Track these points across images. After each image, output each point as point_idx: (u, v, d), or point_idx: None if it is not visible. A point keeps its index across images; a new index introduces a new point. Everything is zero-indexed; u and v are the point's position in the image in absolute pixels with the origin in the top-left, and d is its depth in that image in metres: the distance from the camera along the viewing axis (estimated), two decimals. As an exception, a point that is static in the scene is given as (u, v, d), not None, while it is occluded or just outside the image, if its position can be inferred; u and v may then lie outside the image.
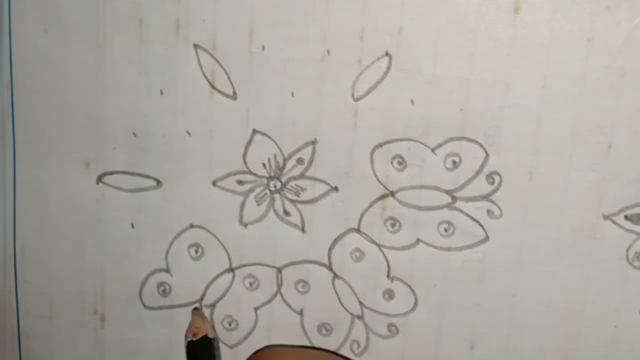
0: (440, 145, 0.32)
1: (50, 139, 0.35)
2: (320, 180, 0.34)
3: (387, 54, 0.32)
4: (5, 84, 0.35)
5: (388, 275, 0.34)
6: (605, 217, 0.32)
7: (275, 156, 0.34)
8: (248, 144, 0.34)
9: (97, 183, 0.36)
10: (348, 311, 0.35)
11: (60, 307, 0.37)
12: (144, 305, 0.36)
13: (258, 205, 0.35)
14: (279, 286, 0.35)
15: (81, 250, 0.36)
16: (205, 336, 0.35)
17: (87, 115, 0.35)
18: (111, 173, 0.35)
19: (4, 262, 0.37)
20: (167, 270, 0.36)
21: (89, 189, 0.36)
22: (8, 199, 0.36)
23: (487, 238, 0.33)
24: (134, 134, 0.35)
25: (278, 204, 0.34)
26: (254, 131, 0.34)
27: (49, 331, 0.37)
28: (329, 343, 0.36)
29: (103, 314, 0.37)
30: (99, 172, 0.36)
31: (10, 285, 0.37)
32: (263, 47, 0.33)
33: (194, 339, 0.35)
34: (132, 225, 0.36)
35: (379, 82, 0.32)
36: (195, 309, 0.36)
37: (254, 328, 0.36)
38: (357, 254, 0.34)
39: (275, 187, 0.34)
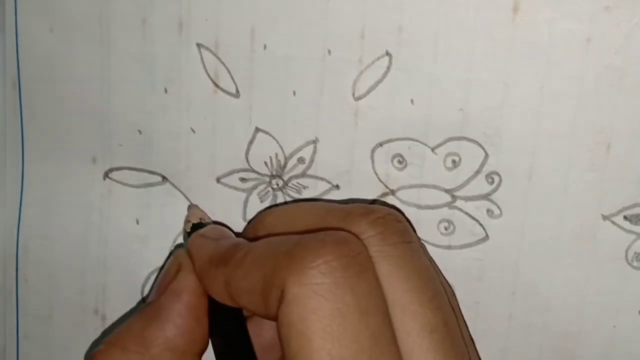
0: (440, 145, 0.32)
1: (57, 136, 0.36)
2: (322, 179, 0.34)
3: (387, 53, 0.32)
4: (12, 82, 0.36)
5: (388, 273, 0.34)
6: (605, 217, 0.32)
7: (276, 155, 0.34)
8: (250, 142, 0.34)
9: (104, 179, 0.36)
10: (349, 308, 0.35)
11: (60, 306, 0.38)
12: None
13: (261, 202, 0.35)
14: (281, 283, 0.36)
15: (85, 247, 0.37)
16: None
17: (93, 113, 0.35)
18: (117, 169, 0.36)
19: (5, 260, 0.37)
20: (172, 267, 0.36)
21: (96, 185, 0.36)
22: (16, 196, 0.37)
23: (486, 237, 0.33)
24: (139, 131, 0.35)
25: (280, 201, 0.35)
26: (257, 129, 0.34)
27: (48, 332, 0.38)
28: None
29: (104, 314, 0.37)
30: (105, 168, 0.36)
31: (10, 284, 0.38)
32: (265, 46, 0.33)
33: (201, 222, 0.34)
34: (137, 222, 0.36)
35: (379, 81, 0.32)
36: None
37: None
38: (358, 251, 0.34)
39: (277, 185, 0.34)
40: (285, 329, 0.25)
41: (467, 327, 0.32)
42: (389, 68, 0.32)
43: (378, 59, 0.32)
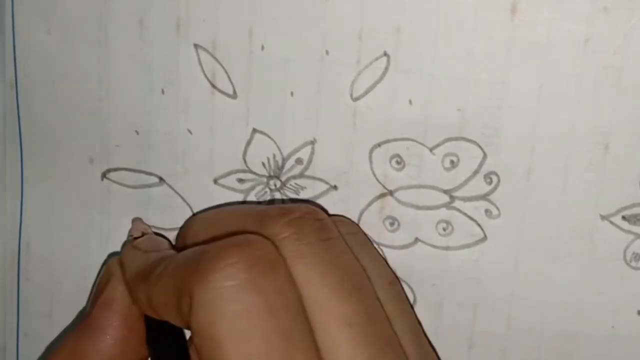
0: (438, 145, 0.32)
1: (55, 137, 0.36)
2: (320, 179, 0.34)
3: (385, 54, 0.32)
4: (9, 83, 0.36)
5: (387, 274, 0.34)
6: (603, 217, 0.32)
7: (274, 155, 0.34)
8: (248, 143, 0.34)
9: (102, 179, 0.36)
10: (347, 309, 0.35)
11: (61, 305, 0.38)
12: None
13: (259, 203, 0.35)
14: (279, 284, 0.36)
15: (85, 246, 0.37)
16: None
17: (90, 113, 0.35)
18: (115, 170, 0.36)
19: (5, 259, 0.37)
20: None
21: (95, 185, 0.36)
22: (16, 195, 0.37)
23: (485, 237, 0.33)
24: (137, 132, 0.35)
25: (278, 202, 0.35)
26: (254, 130, 0.34)
27: (48, 331, 0.38)
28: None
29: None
30: (103, 168, 0.36)
31: (11, 283, 0.38)
32: (262, 47, 0.33)
33: (143, 235, 0.34)
34: (136, 221, 0.36)
35: (377, 82, 0.32)
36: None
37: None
38: (356, 252, 0.34)
39: (275, 185, 0.34)
40: (197, 337, 0.26)
41: (416, 320, 0.32)
42: (387, 69, 0.32)
43: (376, 59, 0.32)
